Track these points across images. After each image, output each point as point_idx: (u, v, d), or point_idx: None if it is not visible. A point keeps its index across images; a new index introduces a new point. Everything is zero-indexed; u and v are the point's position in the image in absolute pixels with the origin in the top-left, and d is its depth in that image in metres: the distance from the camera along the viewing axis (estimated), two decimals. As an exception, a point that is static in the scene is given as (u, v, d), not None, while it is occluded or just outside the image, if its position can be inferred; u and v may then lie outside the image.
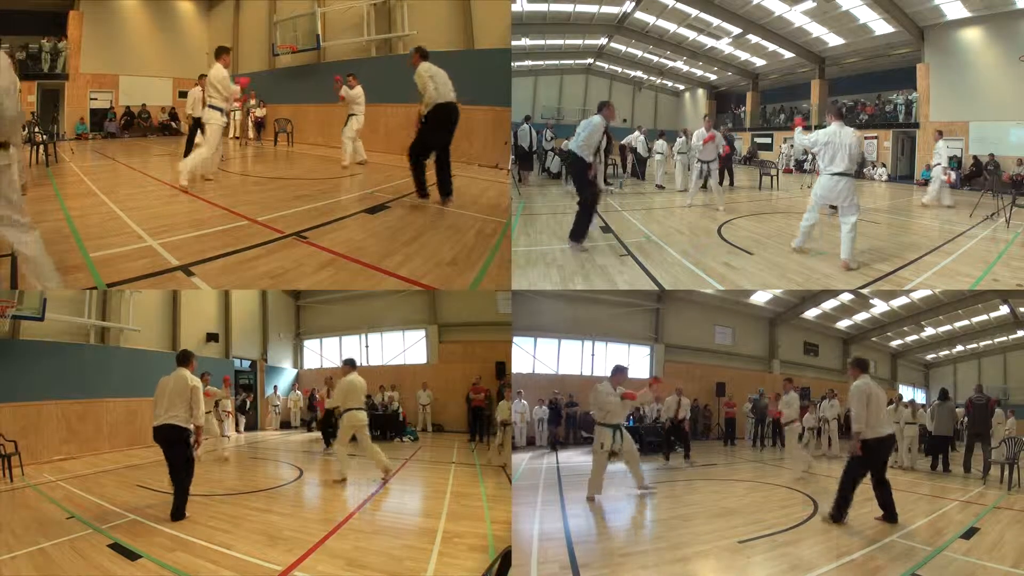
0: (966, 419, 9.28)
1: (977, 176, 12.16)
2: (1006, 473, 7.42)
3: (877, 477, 5.25)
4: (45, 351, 8.98)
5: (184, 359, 5.61)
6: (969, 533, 4.95)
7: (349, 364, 7.15)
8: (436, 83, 7.00)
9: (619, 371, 6.33)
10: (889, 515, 5.22)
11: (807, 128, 7.27)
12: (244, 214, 7.05)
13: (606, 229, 8.27)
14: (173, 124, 15.01)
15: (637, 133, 13.76)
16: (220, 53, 8.15)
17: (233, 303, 13.74)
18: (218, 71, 8.02)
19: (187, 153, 10.89)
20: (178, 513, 5.22)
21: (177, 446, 5.37)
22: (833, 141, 6.34)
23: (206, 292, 12.39)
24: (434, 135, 7.15)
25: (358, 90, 10.52)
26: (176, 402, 5.35)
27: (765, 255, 7.10)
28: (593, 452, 6.26)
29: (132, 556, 4.25)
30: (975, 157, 12.38)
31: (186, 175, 8.13)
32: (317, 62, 13.87)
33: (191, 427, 5.50)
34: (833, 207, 6.83)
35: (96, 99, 14.26)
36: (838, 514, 5.18)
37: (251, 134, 14.66)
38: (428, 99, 6.95)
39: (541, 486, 7.16)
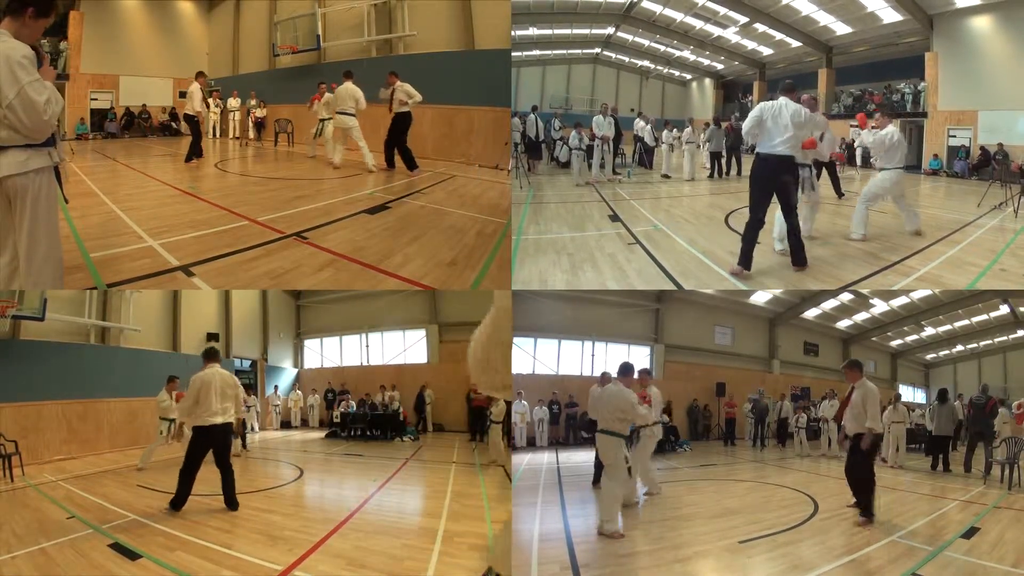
0: (967, 418, 9.29)
1: (985, 165, 12.02)
2: (1006, 473, 7.43)
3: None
4: (45, 351, 8.97)
5: (216, 355, 5.93)
6: (969, 533, 4.95)
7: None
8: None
9: (628, 371, 5.13)
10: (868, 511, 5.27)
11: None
12: (244, 214, 7.05)
13: (614, 218, 8.36)
14: (173, 124, 14.99)
15: (642, 122, 13.69)
16: (349, 75, 10.02)
17: (233, 303, 13.73)
18: (354, 88, 9.87)
19: (191, 155, 10.81)
20: (234, 503, 5.63)
21: (228, 438, 5.83)
22: (903, 139, 7.01)
23: (206, 292, 12.38)
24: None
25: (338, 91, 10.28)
26: (229, 400, 5.72)
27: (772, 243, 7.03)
28: (612, 471, 4.92)
29: (132, 556, 4.25)
30: (983, 147, 12.24)
31: (372, 161, 10.02)
32: (317, 62, 13.85)
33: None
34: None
35: (96, 99, 14.24)
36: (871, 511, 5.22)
37: (251, 134, 14.65)
38: (412, 103, 9.53)
39: (541, 486, 7.17)
